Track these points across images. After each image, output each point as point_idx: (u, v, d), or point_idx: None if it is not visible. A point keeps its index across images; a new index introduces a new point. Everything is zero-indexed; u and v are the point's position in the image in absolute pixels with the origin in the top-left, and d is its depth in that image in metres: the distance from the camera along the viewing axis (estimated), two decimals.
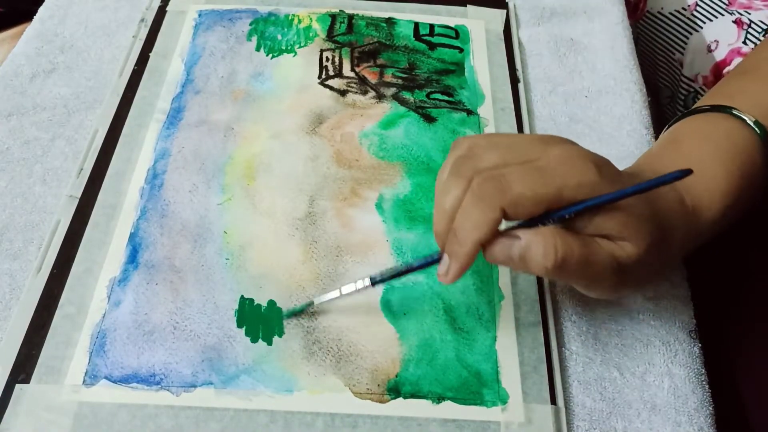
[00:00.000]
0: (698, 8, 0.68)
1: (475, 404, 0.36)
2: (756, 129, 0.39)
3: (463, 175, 0.33)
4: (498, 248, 0.33)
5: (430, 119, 0.50)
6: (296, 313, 0.39)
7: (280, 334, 0.38)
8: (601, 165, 0.34)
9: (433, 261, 0.36)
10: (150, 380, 0.37)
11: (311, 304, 0.39)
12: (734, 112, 0.40)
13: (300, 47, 0.55)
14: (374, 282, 0.37)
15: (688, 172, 0.32)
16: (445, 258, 0.34)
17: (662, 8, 0.71)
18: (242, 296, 0.40)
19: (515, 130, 0.50)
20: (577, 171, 0.33)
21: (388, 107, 0.51)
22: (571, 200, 0.32)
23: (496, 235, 0.33)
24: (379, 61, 0.54)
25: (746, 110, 0.40)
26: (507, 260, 0.33)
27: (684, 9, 0.69)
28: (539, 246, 0.32)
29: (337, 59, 0.54)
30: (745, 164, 0.39)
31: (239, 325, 0.39)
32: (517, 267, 0.33)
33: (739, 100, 0.41)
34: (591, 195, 0.32)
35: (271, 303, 0.40)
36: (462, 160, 0.34)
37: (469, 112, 0.50)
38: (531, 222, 0.33)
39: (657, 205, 0.35)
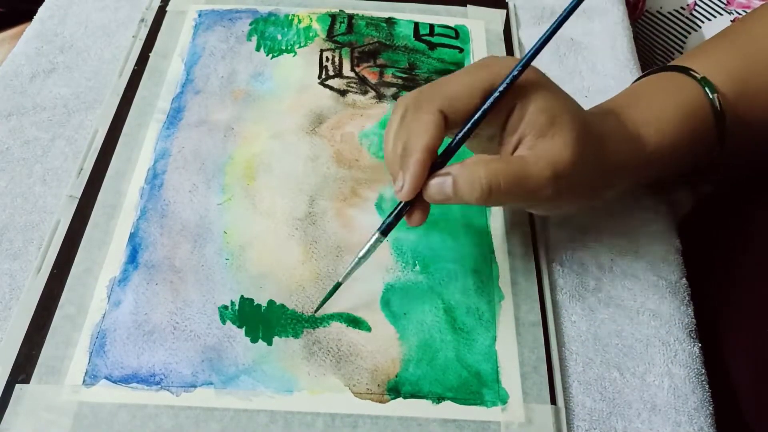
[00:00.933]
0: (697, 7, 0.68)
1: (475, 404, 0.36)
2: (707, 90, 0.40)
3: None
4: (433, 188, 0.34)
5: None
6: (327, 299, 0.39)
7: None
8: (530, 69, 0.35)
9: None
10: (150, 380, 0.37)
11: (338, 285, 0.39)
12: (691, 72, 0.41)
13: (300, 47, 0.55)
14: (384, 232, 0.37)
15: None
16: (400, 175, 0.35)
17: (661, 7, 0.71)
18: (242, 296, 0.40)
19: None
20: (503, 65, 0.35)
21: (388, 107, 0.51)
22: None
23: (429, 175, 0.34)
24: (379, 61, 0.54)
25: (704, 71, 0.41)
26: (445, 198, 0.35)
27: (683, 8, 0.69)
28: (466, 178, 0.34)
29: (337, 59, 0.54)
30: (696, 116, 0.40)
31: (239, 325, 0.39)
32: (458, 202, 0.35)
33: (701, 61, 0.42)
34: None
35: (271, 303, 0.40)
36: (407, 116, 0.36)
37: None
38: (463, 136, 0.35)
39: (593, 118, 0.37)
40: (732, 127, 0.41)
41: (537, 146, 0.35)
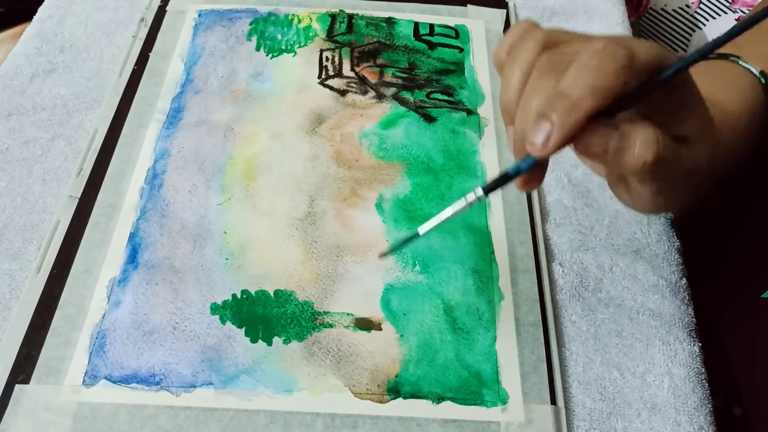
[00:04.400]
0: (701, 6, 0.68)
1: (475, 404, 0.36)
2: (761, 78, 0.40)
3: (561, 71, 0.28)
4: (597, 137, 0.28)
5: (430, 119, 0.50)
6: (399, 246, 0.34)
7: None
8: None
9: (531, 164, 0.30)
10: (150, 380, 0.37)
11: (416, 235, 0.33)
12: (740, 62, 0.40)
13: (300, 47, 0.55)
14: (486, 191, 0.31)
15: None
16: (544, 125, 0.27)
17: (665, 5, 0.71)
18: (234, 295, 0.40)
19: None
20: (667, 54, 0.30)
21: (388, 107, 0.50)
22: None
23: (589, 124, 0.28)
24: (379, 61, 0.54)
25: (753, 60, 0.40)
26: (600, 152, 0.28)
27: (687, 6, 0.69)
28: (640, 136, 0.28)
29: (337, 59, 0.54)
30: (747, 108, 0.39)
31: (239, 325, 0.39)
32: (608, 161, 0.29)
33: (746, 49, 0.41)
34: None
35: (269, 299, 0.40)
36: (551, 55, 0.29)
37: (469, 112, 0.50)
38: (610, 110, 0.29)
39: None
40: None
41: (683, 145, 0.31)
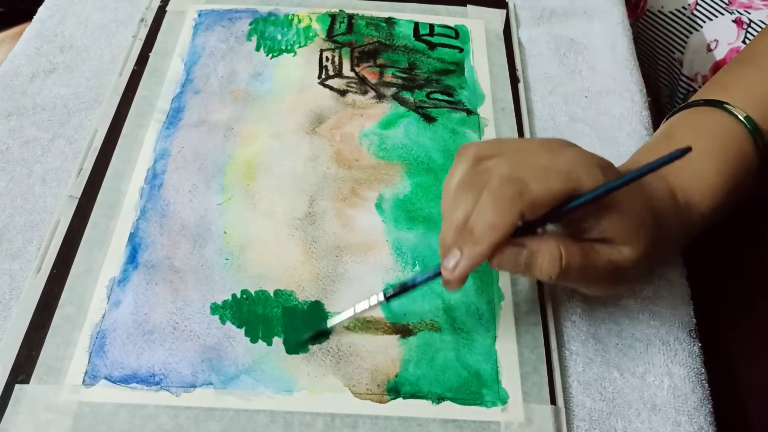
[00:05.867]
0: (698, 7, 0.68)
1: (475, 404, 0.36)
2: (746, 124, 0.40)
3: (476, 188, 0.34)
4: (506, 256, 0.33)
5: (430, 119, 0.50)
6: (314, 338, 0.38)
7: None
8: (605, 167, 0.34)
9: (438, 273, 0.35)
10: (150, 380, 0.37)
11: (329, 331, 0.38)
12: (726, 106, 0.40)
13: (300, 47, 0.55)
14: (388, 297, 0.36)
15: (687, 150, 0.32)
16: (455, 253, 0.33)
17: (662, 7, 0.71)
18: (234, 295, 0.40)
19: (515, 130, 0.50)
20: (588, 173, 0.33)
21: (388, 107, 0.51)
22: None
23: (499, 246, 0.33)
24: (379, 61, 0.54)
25: (739, 103, 0.40)
26: (513, 268, 0.34)
27: (684, 8, 0.69)
28: (545, 255, 0.33)
29: (337, 59, 0.54)
30: (737, 158, 0.39)
31: (239, 325, 0.39)
32: (522, 273, 0.34)
33: (732, 92, 0.41)
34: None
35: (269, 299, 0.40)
36: (472, 173, 0.35)
37: (469, 112, 0.50)
38: (534, 223, 0.34)
39: (653, 204, 0.36)
40: None
41: (606, 246, 0.34)
